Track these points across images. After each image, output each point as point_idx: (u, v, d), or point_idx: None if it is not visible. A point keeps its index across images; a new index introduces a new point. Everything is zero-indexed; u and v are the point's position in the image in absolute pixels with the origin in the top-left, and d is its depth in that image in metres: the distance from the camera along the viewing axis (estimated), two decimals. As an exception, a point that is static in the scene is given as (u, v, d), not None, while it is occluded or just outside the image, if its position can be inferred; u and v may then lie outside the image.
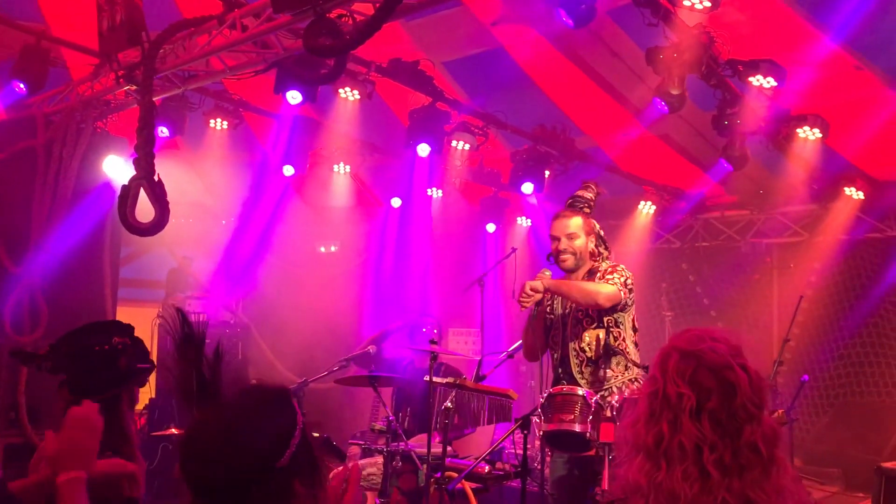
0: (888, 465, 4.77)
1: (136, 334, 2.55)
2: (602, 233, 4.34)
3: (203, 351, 1.77)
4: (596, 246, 4.27)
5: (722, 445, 1.67)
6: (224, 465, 1.56)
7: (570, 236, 4.18)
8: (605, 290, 3.98)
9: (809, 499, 1.70)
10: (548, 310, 4.31)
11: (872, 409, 7.49)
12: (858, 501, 5.74)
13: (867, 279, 8.01)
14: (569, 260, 4.18)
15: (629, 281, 4.10)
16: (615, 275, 4.10)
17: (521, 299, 4.01)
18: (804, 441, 7.41)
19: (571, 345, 4.11)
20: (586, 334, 4.08)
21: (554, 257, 4.25)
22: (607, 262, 4.27)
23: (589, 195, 4.36)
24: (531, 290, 3.98)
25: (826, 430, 7.46)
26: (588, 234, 4.22)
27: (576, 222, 4.20)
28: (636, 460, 1.73)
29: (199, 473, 1.58)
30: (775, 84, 5.58)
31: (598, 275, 4.15)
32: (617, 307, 4.04)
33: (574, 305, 4.12)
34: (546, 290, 4.03)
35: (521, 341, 4.50)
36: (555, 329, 4.24)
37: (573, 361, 4.09)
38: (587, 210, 4.31)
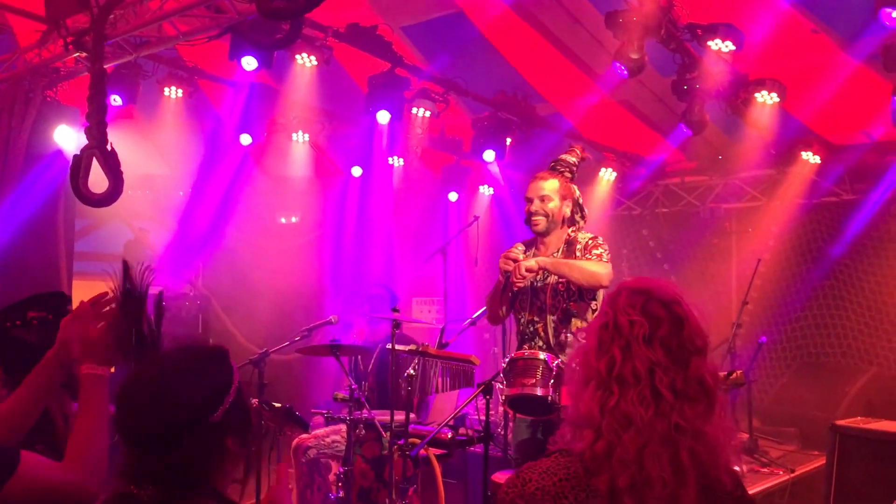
0: (842, 422, 4.88)
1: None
2: (581, 200, 4.25)
3: (144, 305, 1.74)
4: (573, 213, 4.20)
5: (673, 370, 1.70)
6: (157, 415, 1.57)
7: (543, 198, 4.09)
8: (605, 270, 3.94)
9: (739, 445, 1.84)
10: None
11: (828, 370, 7.66)
12: (814, 459, 5.87)
13: (823, 242, 8.15)
14: (541, 223, 4.10)
15: (607, 255, 4.06)
16: (601, 250, 4.04)
17: (517, 281, 3.92)
18: (762, 401, 7.56)
19: (551, 316, 4.06)
20: (567, 306, 4.04)
21: (526, 219, 4.17)
22: (584, 233, 4.21)
23: (572, 159, 4.25)
24: (527, 270, 3.89)
25: (783, 391, 7.62)
26: (564, 198, 4.13)
27: (551, 185, 4.11)
28: (587, 390, 1.72)
29: (132, 424, 1.59)
30: (733, 48, 5.60)
31: (580, 247, 4.09)
32: None
33: (555, 277, 4.06)
34: (542, 269, 3.95)
35: (484, 308, 4.48)
36: (523, 294, 4.16)
37: (551, 332, 4.06)
38: (568, 174, 4.20)
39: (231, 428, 1.63)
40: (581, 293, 4.05)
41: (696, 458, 1.66)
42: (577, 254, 4.08)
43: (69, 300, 2.31)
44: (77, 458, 1.88)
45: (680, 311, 1.76)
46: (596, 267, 3.95)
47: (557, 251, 4.15)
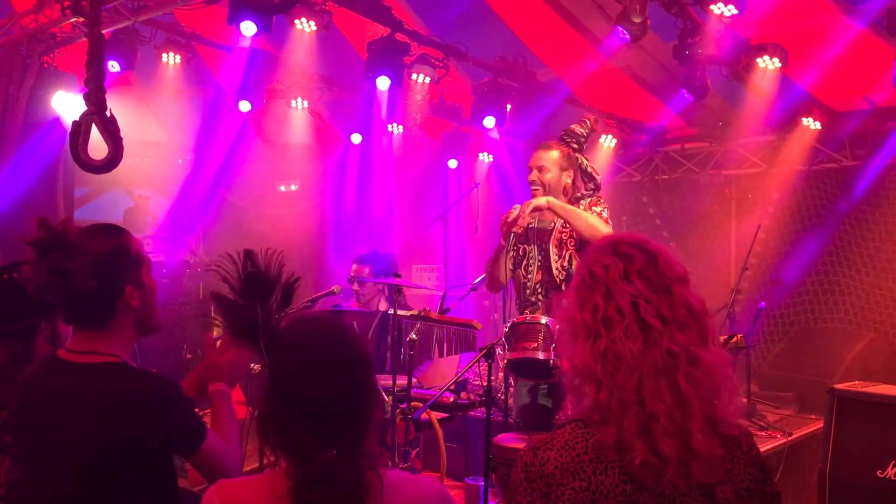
0: (840, 386, 4.91)
1: None
2: (589, 168, 4.31)
3: (272, 292, 1.84)
4: (580, 181, 4.28)
5: (657, 299, 1.66)
6: (344, 380, 1.68)
7: (541, 169, 4.18)
8: (607, 229, 3.99)
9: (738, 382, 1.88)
10: (522, 238, 4.30)
11: (826, 335, 7.69)
12: (811, 423, 5.92)
13: (822, 209, 8.15)
14: (538, 192, 4.18)
15: (607, 213, 4.14)
16: (601, 208, 4.12)
17: (521, 218, 4.00)
18: (760, 366, 7.61)
19: (555, 265, 4.12)
20: (569, 255, 4.10)
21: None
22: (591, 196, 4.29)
23: (581, 130, 4.32)
24: (535, 209, 3.98)
25: (781, 356, 7.66)
26: (563, 168, 4.20)
27: (551, 156, 4.19)
28: (577, 345, 1.68)
29: (318, 394, 1.66)
30: (736, 12, 5.54)
31: (584, 205, 4.15)
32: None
33: (556, 228, 4.14)
34: (549, 209, 4.00)
35: (484, 274, 4.50)
36: (530, 257, 4.23)
37: (560, 281, 4.10)
38: (575, 145, 4.28)
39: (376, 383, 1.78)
40: (580, 243, 4.09)
41: (696, 384, 1.62)
42: (582, 209, 4.13)
43: None
44: (231, 447, 2.24)
45: (650, 247, 1.74)
46: (599, 223, 3.99)
47: (557, 218, 4.19)
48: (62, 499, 2.05)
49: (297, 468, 1.61)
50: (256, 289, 1.84)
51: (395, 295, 4.56)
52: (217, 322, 5.34)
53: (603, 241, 1.80)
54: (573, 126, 4.33)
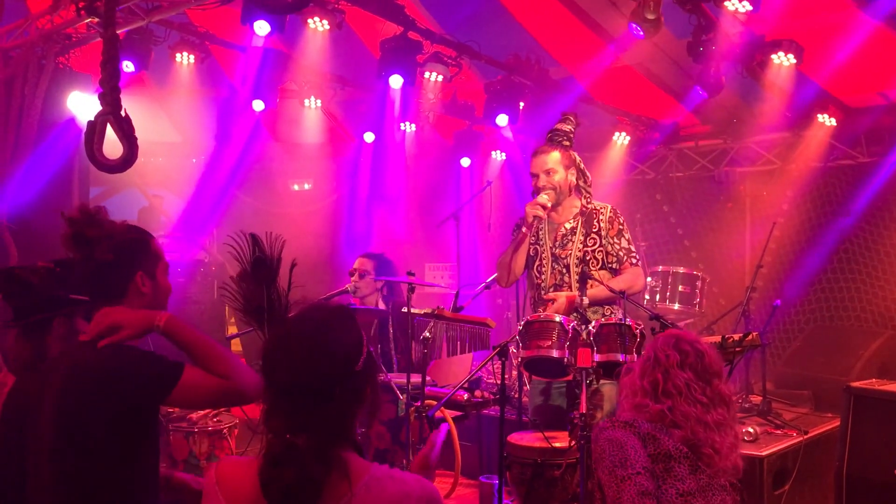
0: (857, 384, 4.88)
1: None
2: (582, 165, 4.38)
3: (276, 273, 2.01)
4: (577, 179, 4.33)
5: (700, 387, 2.51)
6: (316, 369, 1.71)
7: (549, 172, 4.24)
8: (639, 283, 4.28)
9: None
10: (532, 238, 4.33)
11: (841, 333, 7.63)
12: (827, 421, 5.88)
13: (838, 206, 8.07)
14: (550, 195, 4.23)
15: (629, 234, 4.30)
16: (630, 243, 4.24)
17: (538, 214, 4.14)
18: (776, 364, 7.56)
19: (575, 283, 4.15)
20: (594, 273, 4.14)
21: (534, 193, 4.29)
22: (598, 202, 4.33)
23: (567, 128, 4.37)
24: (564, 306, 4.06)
25: (797, 354, 7.60)
26: (567, 167, 4.28)
27: (553, 157, 4.26)
28: (637, 397, 2.54)
29: (289, 379, 1.71)
30: (750, 8, 5.51)
31: (603, 220, 4.21)
32: None
33: (580, 244, 4.20)
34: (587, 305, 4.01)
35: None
36: (542, 259, 4.28)
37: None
38: (566, 143, 4.34)
39: (369, 375, 1.81)
40: (604, 263, 4.16)
41: (722, 434, 2.50)
42: (602, 225, 4.22)
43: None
44: (225, 373, 2.22)
45: (701, 346, 2.55)
46: (633, 279, 4.20)
47: (571, 219, 4.29)
48: (44, 472, 2.13)
49: (268, 445, 1.69)
50: (263, 272, 1.98)
51: (409, 293, 4.57)
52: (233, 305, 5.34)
53: (668, 336, 2.61)
54: (559, 125, 4.39)
